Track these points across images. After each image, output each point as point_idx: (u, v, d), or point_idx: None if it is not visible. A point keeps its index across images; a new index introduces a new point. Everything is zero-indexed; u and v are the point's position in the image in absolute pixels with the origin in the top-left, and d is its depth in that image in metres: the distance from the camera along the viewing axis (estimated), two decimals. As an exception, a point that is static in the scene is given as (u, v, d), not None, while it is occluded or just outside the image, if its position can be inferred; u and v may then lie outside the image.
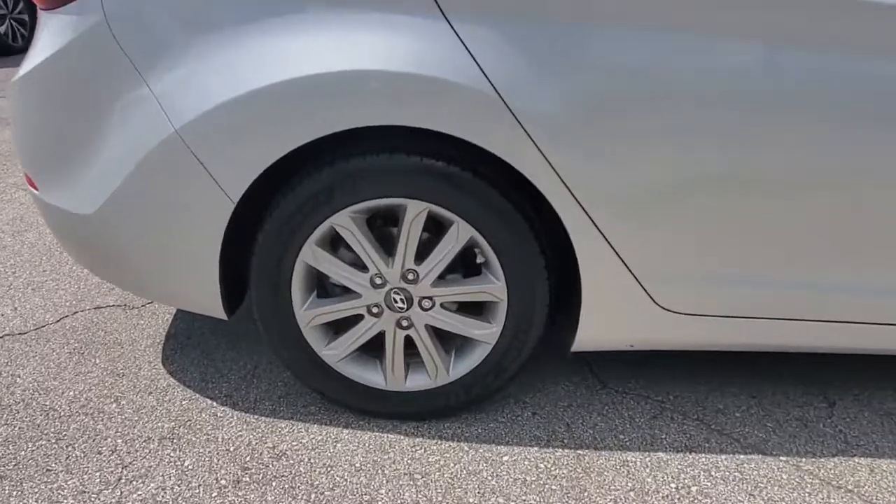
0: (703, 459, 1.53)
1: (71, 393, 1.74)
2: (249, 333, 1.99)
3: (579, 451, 1.55)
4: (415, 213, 1.41)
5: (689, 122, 1.28)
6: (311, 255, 1.47)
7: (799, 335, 1.47)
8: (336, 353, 1.57)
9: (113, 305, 2.14)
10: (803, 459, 1.54)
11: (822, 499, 1.43)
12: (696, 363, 1.86)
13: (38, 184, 1.58)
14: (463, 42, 1.27)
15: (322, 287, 1.58)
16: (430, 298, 1.50)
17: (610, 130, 1.29)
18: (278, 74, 1.30)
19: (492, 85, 1.27)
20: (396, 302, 1.50)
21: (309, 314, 1.53)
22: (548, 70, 1.27)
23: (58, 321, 2.06)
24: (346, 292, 1.54)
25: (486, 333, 1.52)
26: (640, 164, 1.31)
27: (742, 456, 1.55)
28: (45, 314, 2.10)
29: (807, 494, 1.44)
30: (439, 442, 1.58)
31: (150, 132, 1.38)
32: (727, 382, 1.80)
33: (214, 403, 1.70)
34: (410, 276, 1.48)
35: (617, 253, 1.40)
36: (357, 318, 1.55)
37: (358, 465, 1.51)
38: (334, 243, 1.52)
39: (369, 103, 1.30)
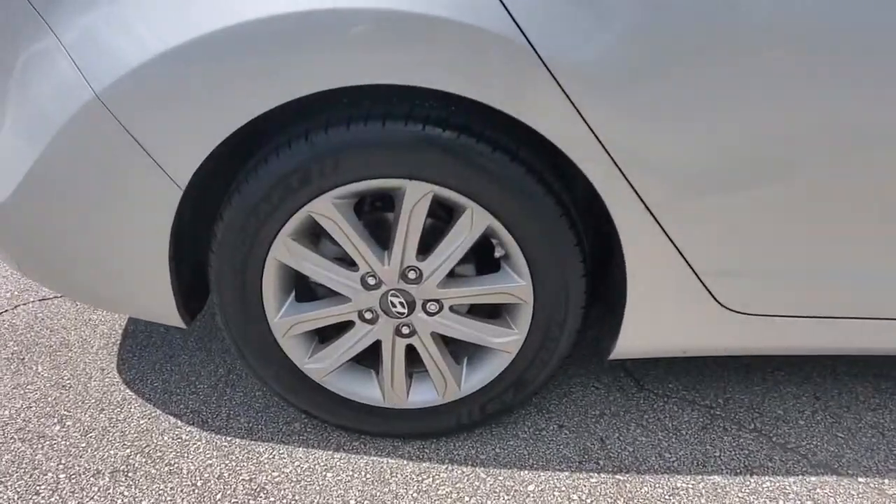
0: (768, 484, 1.27)
1: (6, 412, 1.45)
2: (216, 329, 1.70)
3: (619, 477, 1.29)
4: (416, 197, 1.10)
5: (772, 76, 0.96)
6: (286, 250, 1.16)
7: (891, 336, 1.19)
8: (322, 367, 1.28)
9: (60, 296, 1.84)
10: (886, 481, 1.28)
11: (917, 534, 1.18)
12: (744, 357, 1.59)
13: (-62, 164, 1.25)
14: (479, -31, 0.94)
15: (306, 287, 1.28)
16: (437, 301, 1.20)
17: (670, 87, 0.97)
18: (234, 15, 0.97)
19: (520, 29, 0.94)
20: (395, 306, 1.21)
21: (286, 322, 1.23)
22: (593, 10, 0.94)
23: (-5, 317, 1.76)
24: (332, 294, 1.24)
25: (508, 342, 1.24)
26: (707, 130, 1.00)
27: (813, 478, 1.29)
28: (-19, 309, 1.79)
29: (897, 529, 1.19)
30: (450, 468, 1.31)
31: (64, 98, 1.05)
32: (784, 380, 1.53)
33: (179, 422, 1.42)
34: (412, 275, 1.18)
35: (672, 241, 1.10)
36: (346, 325, 1.26)
37: (354, 502, 1.24)
38: (314, 234, 1.21)
39: (357, 54, 0.97)
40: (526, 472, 1.30)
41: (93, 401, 1.48)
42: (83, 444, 1.36)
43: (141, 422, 1.42)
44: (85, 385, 1.52)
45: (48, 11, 1.03)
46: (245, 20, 0.96)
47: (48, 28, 1.03)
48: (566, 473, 1.30)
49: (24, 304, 1.81)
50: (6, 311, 1.78)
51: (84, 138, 1.07)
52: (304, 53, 0.97)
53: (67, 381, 1.53)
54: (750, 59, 0.95)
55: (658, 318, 1.19)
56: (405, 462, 1.32)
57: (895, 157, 1.01)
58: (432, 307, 1.21)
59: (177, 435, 1.39)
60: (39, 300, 1.83)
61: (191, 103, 1.02)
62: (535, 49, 0.95)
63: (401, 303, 1.20)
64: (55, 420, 1.43)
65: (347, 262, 1.19)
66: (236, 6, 0.97)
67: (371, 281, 1.19)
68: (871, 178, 1.03)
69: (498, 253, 1.19)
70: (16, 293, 1.86)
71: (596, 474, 1.30)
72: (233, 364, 1.59)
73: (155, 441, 1.37)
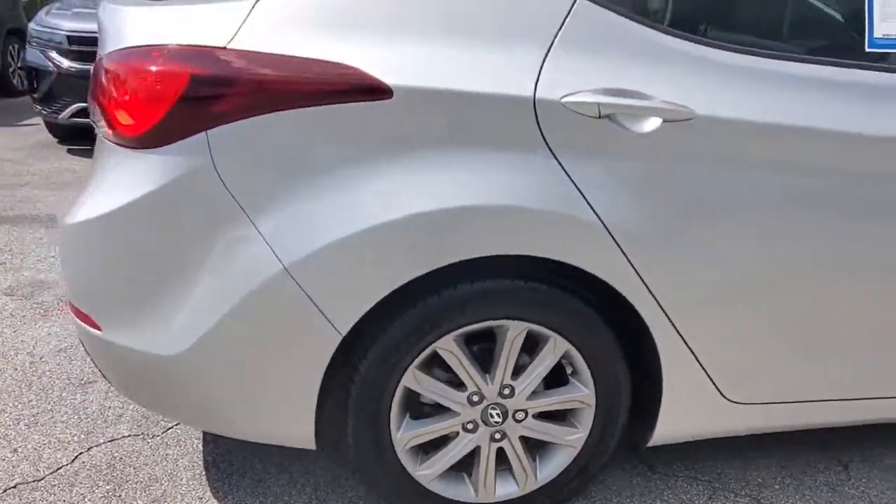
0: (769, 534, 1.69)
1: (127, 545, 1.60)
2: (292, 452, 1.93)
3: (661, 541, 1.66)
4: (516, 332, 1.49)
5: (762, 232, 1.46)
6: (414, 379, 1.49)
7: (854, 412, 1.69)
8: (431, 472, 1.58)
9: (129, 436, 1.99)
10: (846, 523, 1.74)
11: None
12: (723, 439, 2.03)
13: (104, 324, 1.49)
14: (570, 177, 1.39)
15: (411, 407, 1.60)
16: (524, 410, 1.57)
17: (691, 245, 1.45)
18: (396, 211, 1.35)
19: (596, 215, 1.40)
20: (493, 417, 1.56)
21: (406, 437, 1.54)
22: (645, 202, 1.42)
23: (73, 460, 1.89)
24: (438, 411, 1.57)
25: (575, 439, 1.61)
26: (720, 276, 1.49)
27: (797, 526, 1.72)
28: (56, 453, 1.91)
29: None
30: (531, 549, 1.62)
31: (255, 270, 1.37)
32: (755, 455, 1.99)
33: (291, 536, 1.63)
34: (506, 392, 1.54)
35: (694, 355, 1.55)
36: (448, 436, 1.58)
37: (465, 585, 1.51)
38: (428, 364, 1.55)
39: (484, 235, 1.38)
40: (591, 545, 1.64)
41: (205, 526, 1.66)
42: (212, 565, 1.55)
43: (257, 540, 1.62)
44: (191, 513, 1.70)
45: (251, 210, 1.36)
46: (401, 216, 1.35)
47: (250, 221, 1.36)
48: (622, 543, 1.65)
49: (97, 446, 1.95)
50: (81, 453, 1.92)
51: (267, 300, 1.38)
52: (445, 237, 1.37)
53: (173, 512, 1.70)
54: (743, 220, 1.44)
55: (683, 413, 1.62)
56: (495, 548, 1.61)
57: (864, 284, 1.52)
58: (520, 415, 1.57)
59: (294, 547, 1.60)
60: (109, 441, 1.97)
61: (359, 274, 1.37)
62: (608, 229, 1.40)
63: (497, 414, 1.55)
64: (178, 546, 1.60)
65: (454, 384, 1.54)
66: (395, 205, 1.36)
67: (475, 398, 1.54)
68: (843, 299, 1.54)
69: (569, 370, 1.59)
70: (82, 436, 1.99)
71: (644, 541, 1.65)
72: (316, 481, 1.83)
73: (276, 555, 1.58)
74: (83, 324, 1.53)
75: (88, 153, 5.56)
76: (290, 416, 1.48)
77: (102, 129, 1.43)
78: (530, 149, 1.38)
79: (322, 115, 1.34)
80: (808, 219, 1.47)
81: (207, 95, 1.32)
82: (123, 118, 1.38)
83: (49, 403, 2.14)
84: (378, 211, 1.36)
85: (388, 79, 1.33)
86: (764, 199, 1.45)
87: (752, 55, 1.43)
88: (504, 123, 1.37)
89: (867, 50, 1.51)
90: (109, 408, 2.12)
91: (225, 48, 1.33)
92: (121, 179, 1.42)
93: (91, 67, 5.43)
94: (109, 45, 1.46)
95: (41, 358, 2.40)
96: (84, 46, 5.20)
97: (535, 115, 1.37)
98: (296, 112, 1.33)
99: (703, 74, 1.41)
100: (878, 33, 1.51)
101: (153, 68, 1.33)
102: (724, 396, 1.61)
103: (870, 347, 1.62)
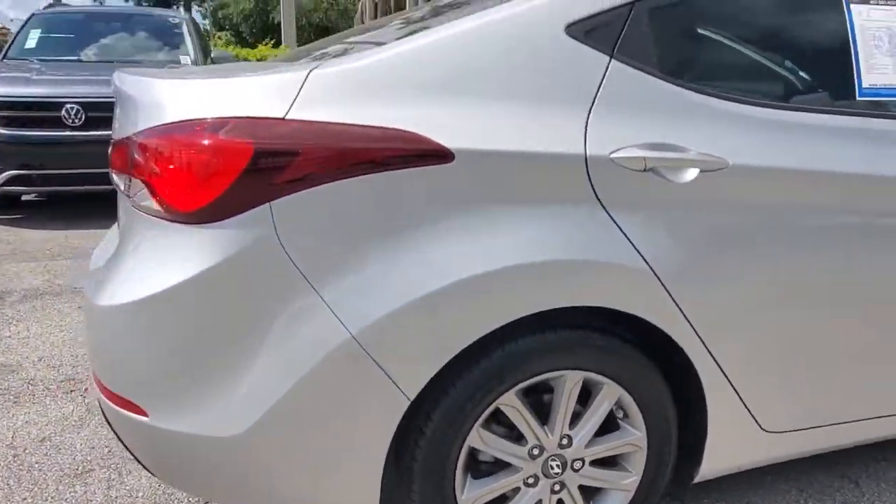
0: (809, 557, 1.75)
1: None
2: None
3: (715, 576, 1.69)
4: (573, 382, 1.51)
5: (784, 266, 1.57)
6: (479, 438, 1.49)
7: (880, 428, 1.80)
8: (495, 532, 1.56)
9: (146, 526, 1.86)
10: (872, 539, 1.83)
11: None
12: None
13: (151, 409, 1.40)
14: (620, 228, 1.45)
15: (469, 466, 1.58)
16: (582, 459, 1.58)
17: (737, 295, 1.54)
18: (461, 272, 1.36)
19: (647, 264, 1.46)
20: (553, 468, 1.56)
21: (471, 497, 1.52)
22: (689, 248, 1.49)
23: (89, 560, 1.74)
24: (496, 468, 1.56)
25: (630, 482, 1.63)
26: (765, 327, 1.58)
27: (831, 546, 1.80)
28: (69, 555, 1.76)
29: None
30: None
31: (321, 340, 1.34)
32: (774, 480, 2.07)
33: None
34: (565, 441, 1.56)
35: (737, 393, 1.62)
36: (505, 494, 1.57)
37: None
38: (488, 420, 1.55)
39: (548, 290, 1.41)
40: (650, 588, 1.65)
41: None
42: None
43: None
44: None
45: (315, 279, 1.34)
46: (464, 277, 1.36)
47: (315, 291, 1.34)
48: (679, 582, 1.67)
49: (112, 541, 1.80)
50: (97, 551, 1.77)
51: (334, 369, 1.34)
52: (510, 293, 1.39)
53: None
54: (778, 260, 1.54)
55: (727, 447, 1.68)
56: None
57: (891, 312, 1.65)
58: (577, 464, 1.58)
59: None
60: (125, 534, 1.83)
61: (428, 336, 1.36)
62: (658, 278, 1.47)
63: (557, 465, 1.56)
64: None
65: (513, 439, 1.54)
66: (456, 267, 1.37)
67: (535, 451, 1.54)
68: (872, 327, 1.66)
69: (619, 414, 1.62)
70: (93, 532, 1.84)
71: (699, 578, 1.68)
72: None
73: None
74: (124, 411, 1.44)
75: (18, 223, 5.29)
76: (356, 488, 1.44)
77: (150, 203, 1.38)
78: (583, 203, 1.43)
79: (384, 180, 1.34)
80: (839, 255, 1.59)
81: (272, 167, 1.30)
82: (174, 194, 1.34)
83: (46, 500, 1.97)
84: (444, 272, 1.36)
85: (449, 142, 1.36)
86: (794, 239, 1.55)
87: (774, 108, 1.55)
88: (558, 180, 1.42)
89: (858, 99, 1.67)
90: (116, 497, 1.97)
91: (284, 119, 1.32)
92: (170, 255, 1.36)
93: (23, 133, 5.15)
94: (143, 119, 1.42)
95: (24, 450, 2.21)
96: (13, 112, 4.99)
97: (587, 170, 1.42)
98: (358, 179, 1.33)
99: (732, 127, 1.52)
100: (865, 84, 1.69)
101: (210, 142, 1.30)
102: (762, 428, 1.69)
103: None
